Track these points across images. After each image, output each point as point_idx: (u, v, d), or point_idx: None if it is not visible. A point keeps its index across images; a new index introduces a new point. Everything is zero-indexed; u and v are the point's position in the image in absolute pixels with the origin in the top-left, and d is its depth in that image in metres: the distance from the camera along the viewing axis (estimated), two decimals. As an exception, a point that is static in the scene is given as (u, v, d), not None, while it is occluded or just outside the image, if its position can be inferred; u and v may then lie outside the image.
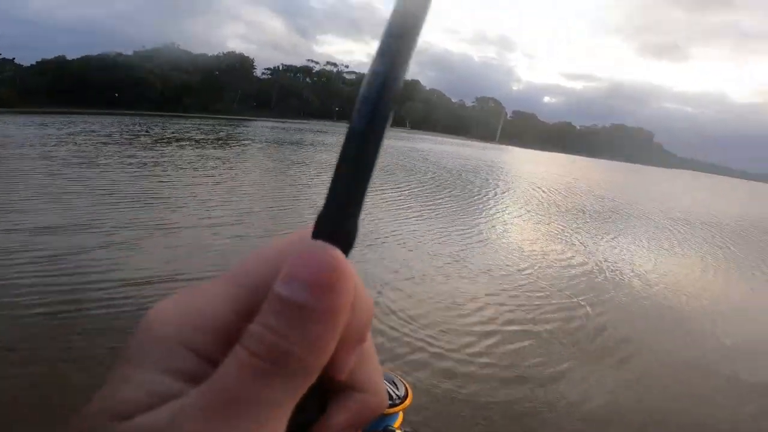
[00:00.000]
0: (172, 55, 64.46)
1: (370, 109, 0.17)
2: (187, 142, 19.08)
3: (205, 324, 0.16)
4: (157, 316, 0.17)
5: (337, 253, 0.16)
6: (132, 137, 19.26)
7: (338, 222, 0.16)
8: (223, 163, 13.53)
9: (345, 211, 0.16)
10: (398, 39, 0.17)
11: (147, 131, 23.14)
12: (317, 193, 10.07)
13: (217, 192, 9.06)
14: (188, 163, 12.89)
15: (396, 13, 0.17)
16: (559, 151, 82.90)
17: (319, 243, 0.16)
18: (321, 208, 0.17)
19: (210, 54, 69.30)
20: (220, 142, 21.33)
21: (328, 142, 28.26)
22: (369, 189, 0.17)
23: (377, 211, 8.40)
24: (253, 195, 9.26)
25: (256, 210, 7.90)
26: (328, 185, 0.17)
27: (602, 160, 72.86)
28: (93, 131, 20.61)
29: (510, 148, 70.06)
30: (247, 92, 70.09)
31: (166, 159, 13.26)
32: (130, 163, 11.67)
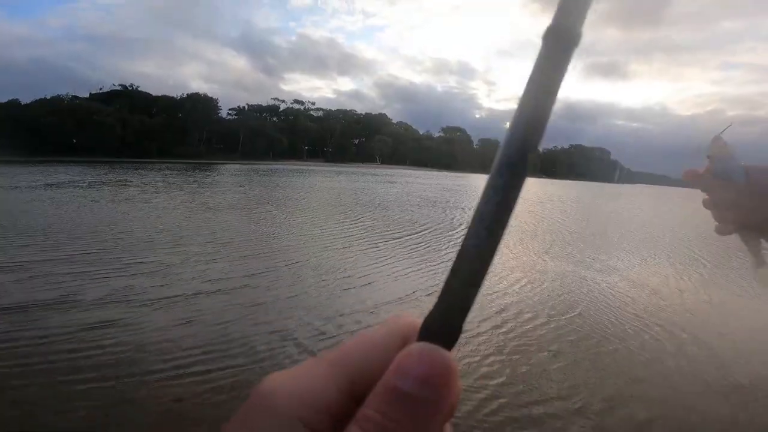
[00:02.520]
0: (131, 97, 62.23)
1: (485, 231, 0.17)
2: (179, 192, 17.46)
3: (315, 400, 0.18)
4: (273, 389, 0.18)
5: (447, 354, 0.18)
6: (114, 186, 17.47)
7: (446, 324, 0.18)
8: (217, 213, 12.07)
9: (454, 315, 0.18)
10: (512, 168, 0.17)
11: (126, 180, 21.30)
12: (327, 247, 8.79)
13: (216, 249, 7.63)
14: (178, 214, 11.36)
15: (508, 149, 0.18)
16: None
17: (431, 345, 0.18)
18: (431, 308, 0.18)
19: (171, 95, 67.36)
20: (206, 189, 19.78)
21: (309, 184, 27.04)
22: (478, 297, 0.18)
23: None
24: (259, 249, 7.89)
25: (264, 269, 6.54)
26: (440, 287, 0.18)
27: (571, 182, 74.74)
28: (73, 183, 18.65)
29: (479, 176, 70.98)
30: (212, 134, 68.26)
31: (148, 212, 11.67)
32: (115, 218, 10.06)
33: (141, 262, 6.52)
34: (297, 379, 0.19)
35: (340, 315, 4.93)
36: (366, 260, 7.46)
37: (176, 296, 5.15)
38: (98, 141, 46.68)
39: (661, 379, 3.90)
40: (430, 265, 7.32)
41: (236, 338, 4.17)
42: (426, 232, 10.78)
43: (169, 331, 4.23)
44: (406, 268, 7.06)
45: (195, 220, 10.64)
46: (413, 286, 6.16)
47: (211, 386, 3.31)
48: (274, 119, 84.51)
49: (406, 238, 9.82)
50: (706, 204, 0.62)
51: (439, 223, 12.42)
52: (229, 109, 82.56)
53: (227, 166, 47.07)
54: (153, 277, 5.87)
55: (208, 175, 28.38)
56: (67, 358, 3.59)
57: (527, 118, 0.18)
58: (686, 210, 21.62)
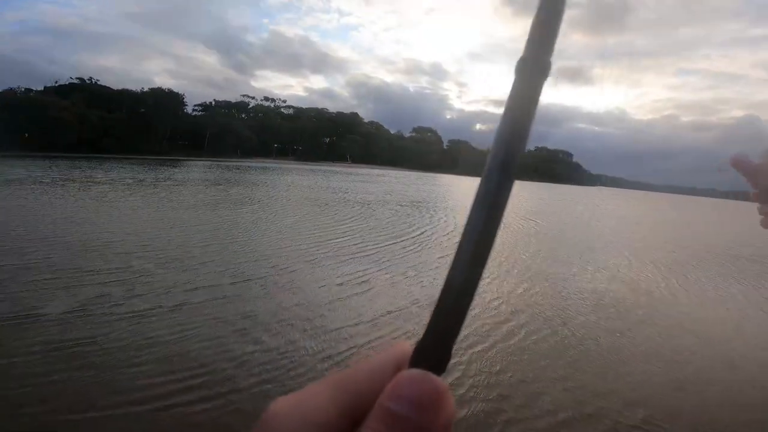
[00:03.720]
0: (89, 91, 59.05)
1: (468, 265, 0.19)
2: (154, 188, 16.59)
3: (318, 422, 0.20)
4: (279, 412, 0.20)
5: (437, 378, 0.19)
6: (80, 183, 16.39)
7: (436, 351, 0.19)
8: (195, 213, 11.52)
9: (442, 342, 0.19)
10: (492, 203, 0.18)
11: (89, 177, 20.07)
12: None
13: (194, 254, 7.24)
14: (147, 214, 10.76)
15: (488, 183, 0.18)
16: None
17: (421, 371, 0.19)
18: (422, 336, 0.20)
19: (134, 90, 64.35)
20: (180, 188, 18.94)
21: (287, 183, 26.43)
22: (464, 324, 0.19)
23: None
24: (246, 254, 7.55)
25: (252, 276, 6.25)
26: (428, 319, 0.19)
27: (536, 183, 76.63)
28: (38, 179, 17.39)
29: (450, 176, 71.72)
30: (178, 130, 65.71)
31: (118, 212, 11.00)
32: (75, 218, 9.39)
33: (111, 270, 6.09)
34: (301, 402, 0.20)
35: (337, 327, 4.74)
36: (359, 266, 7.26)
37: (151, 309, 4.79)
38: (54, 135, 44.12)
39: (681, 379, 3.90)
40: (427, 270, 7.20)
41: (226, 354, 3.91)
42: (417, 234, 10.67)
43: (145, 348, 3.91)
44: (404, 271, 6.91)
45: (169, 221, 10.11)
46: (410, 292, 6.03)
47: (194, 409, 3.06)
48: (243, 116, 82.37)
49: (402, 240, 9.68)
50: (757, 197, 0.70)
51: (424, 226, 12.34)
52: (195, 105, 79.82)
53: (193, 162, 45.55)
54: (125, 285, 5.47)
55: (174, 173, 27.28)
56: (28, 382, 3.24)
57: (505, 151, 0.18)
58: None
